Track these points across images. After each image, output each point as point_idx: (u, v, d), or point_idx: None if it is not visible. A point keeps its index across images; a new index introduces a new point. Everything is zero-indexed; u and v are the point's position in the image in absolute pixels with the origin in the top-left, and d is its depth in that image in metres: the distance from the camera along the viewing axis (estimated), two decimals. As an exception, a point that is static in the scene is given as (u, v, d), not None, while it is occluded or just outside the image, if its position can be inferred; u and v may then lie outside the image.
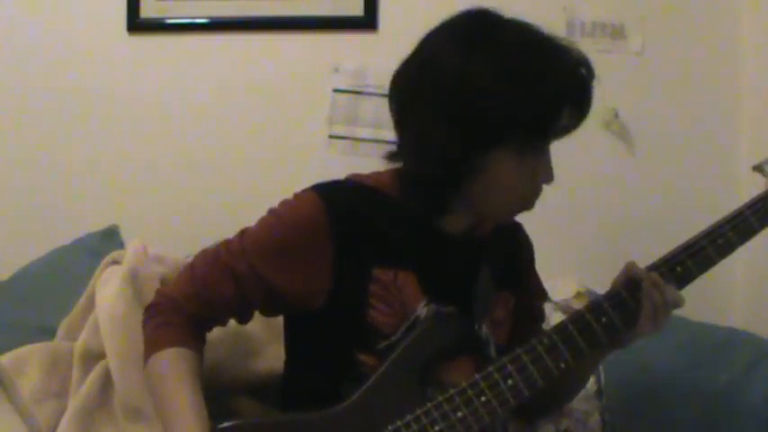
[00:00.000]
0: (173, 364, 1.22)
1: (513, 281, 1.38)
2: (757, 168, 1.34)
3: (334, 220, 1.23)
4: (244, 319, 1.32)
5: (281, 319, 1.36)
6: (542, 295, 1.49)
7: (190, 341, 1.25)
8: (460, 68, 1.17)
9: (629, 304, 1.25)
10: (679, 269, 1.27)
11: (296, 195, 1.29)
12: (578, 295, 1.85)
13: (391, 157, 1.29)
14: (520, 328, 1.37)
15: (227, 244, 1.28)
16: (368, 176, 1.32)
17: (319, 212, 1.23)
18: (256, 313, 1.32)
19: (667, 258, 1.27)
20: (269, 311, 1.32)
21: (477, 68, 1.16)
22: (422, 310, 1.25)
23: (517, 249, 1.43)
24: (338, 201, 1.25)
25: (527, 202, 1.28)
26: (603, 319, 1.25)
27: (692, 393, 1.68)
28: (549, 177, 1.26)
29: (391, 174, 1.31)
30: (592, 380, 1.69)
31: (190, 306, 1.26)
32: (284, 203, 1.28)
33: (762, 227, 1.30)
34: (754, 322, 1.92)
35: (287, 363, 1.37)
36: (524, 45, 1.19)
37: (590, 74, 1.22)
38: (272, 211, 1.28)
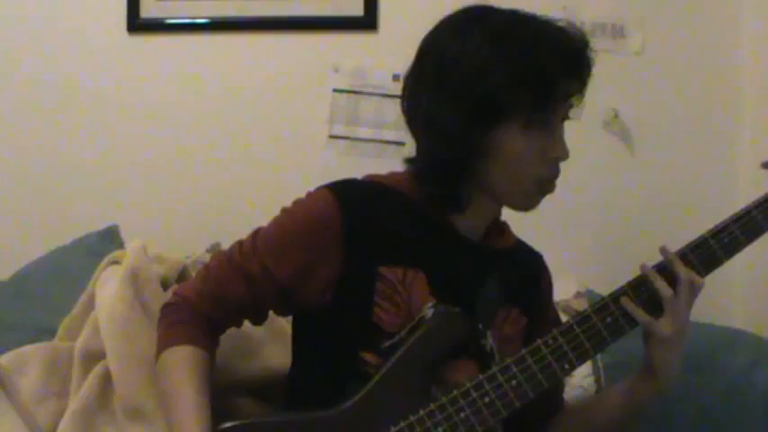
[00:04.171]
0: (181, 361, 1.23)
1: (527, 303, 1.38)
2: (766, 166, 1.32)
3: (346, 216, 1.24)
4: (257, 319, 1.33)
5: (281, 318, 1.36)
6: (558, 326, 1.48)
7: (200, 339, 1.26)
8: (456, 49, 1.23)
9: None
10: None
11: (309, 194, 1.30)
12: (578, 295, 1.85)
13: (409, 160, 1.32)
14: None
15: (240, 244, 1.30)
16: (384, 176, 1.34)
17: (331, 208, 1.24)
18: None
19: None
20: (282, 311, 1.33)
21: (470, 46, 1.22)
22: (428, 310, 1.25)
23: (538, 278, 1.44)
24: (351, 196, 1.27)
25: (545, 183, 1.28)
26: (608, 320, 1.25)
27: (691, 393, 1.67)
28: (562, 153, 1.27)
29: (407, 174, 1.32)
30: (592, 380, 1.69)
31: (203, 305, 1.28)
32: (297, 202, 1.30)
33: None
34: (754, 322, 1.92)
35: (293, 362, 1.37)
36: (515, 23, 1.25)
37: (582, 41, 1.25)
38: (284, 210, 1.30)
